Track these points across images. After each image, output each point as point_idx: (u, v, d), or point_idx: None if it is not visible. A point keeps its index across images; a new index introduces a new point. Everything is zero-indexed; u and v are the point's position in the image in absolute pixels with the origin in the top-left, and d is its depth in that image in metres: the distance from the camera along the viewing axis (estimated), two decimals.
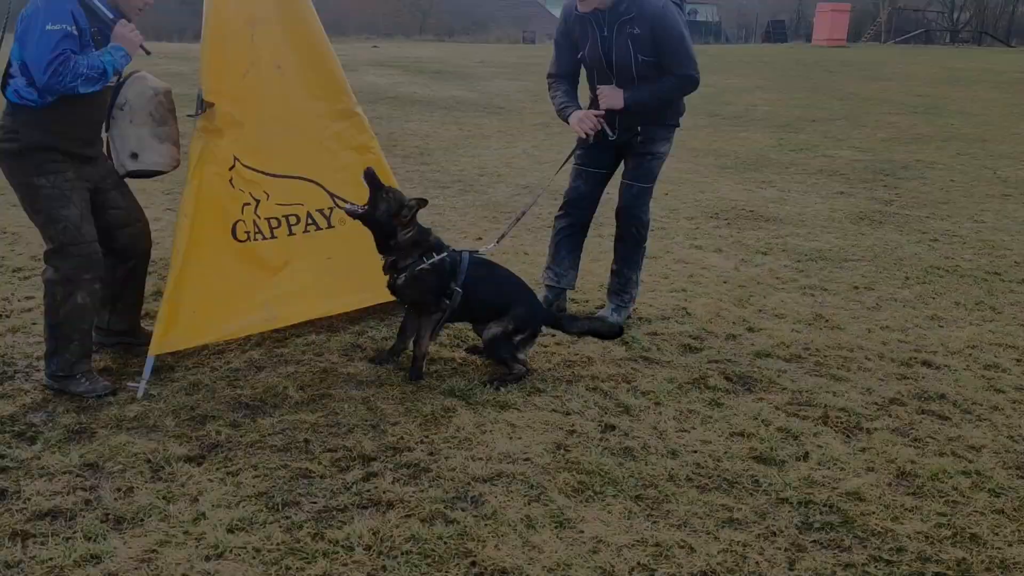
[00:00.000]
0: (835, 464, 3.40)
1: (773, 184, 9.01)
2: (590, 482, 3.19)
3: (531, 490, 3.13)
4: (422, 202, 4.00)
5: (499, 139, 11.47)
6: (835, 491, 3.20)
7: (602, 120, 4.51)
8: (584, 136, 4.55)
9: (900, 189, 8.90)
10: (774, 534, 2.94)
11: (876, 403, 3.95)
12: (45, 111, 3.50)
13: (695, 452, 3.46)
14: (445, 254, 4.03)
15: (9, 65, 3.51)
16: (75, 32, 3.42)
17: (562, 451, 3.41)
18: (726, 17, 57.49)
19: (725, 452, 3.46)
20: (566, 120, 4.64)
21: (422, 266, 3.96)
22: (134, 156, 3.89)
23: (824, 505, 3.11)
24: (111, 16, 3.60)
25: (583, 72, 4.75)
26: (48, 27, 3.36)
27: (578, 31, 4.53)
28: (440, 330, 4.22)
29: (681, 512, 3.04)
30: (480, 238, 6.50)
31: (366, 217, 3.95)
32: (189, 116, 3.97)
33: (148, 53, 3.86)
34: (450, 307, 4.03)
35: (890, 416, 3.83)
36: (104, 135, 3.90)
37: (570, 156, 4.80)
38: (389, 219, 3.92)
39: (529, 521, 2.94)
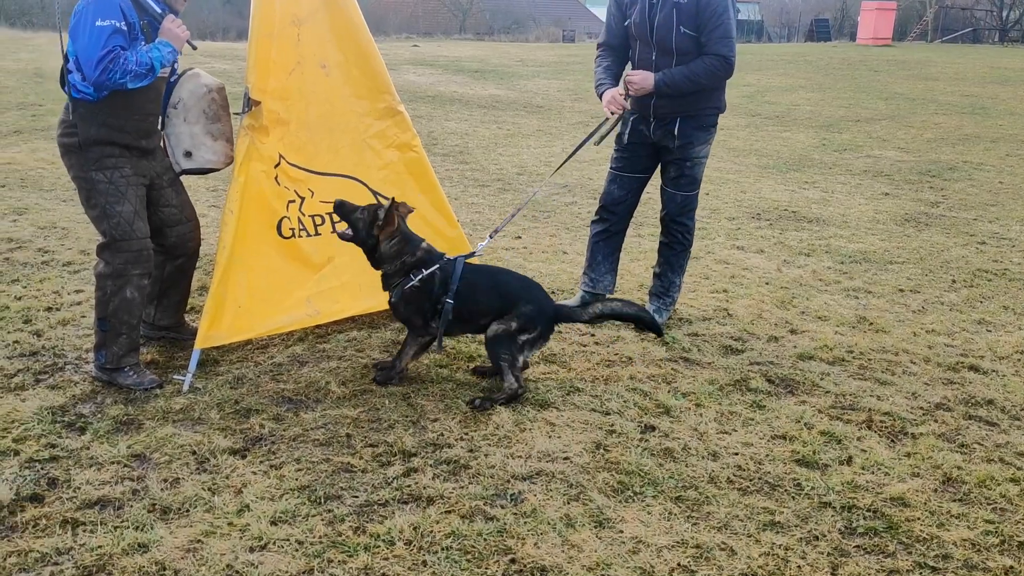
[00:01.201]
0: (879, 469, 3.35)
1: (816, 185, 8.90)
2: (630, 482, 3.19)
3: (570, 489, 3.13)
4: (396, 206, 3.78)
5: (538, 138, 11.47)
6: (879, 496, 3.16)
7: (625, 104, 4.45)
8: (609, 115, 4.53)
9: (947, 191, 8.74)
10: (816, 538, 2.91)
11: (922, 408, 3.89)
12: (101, 105, 3.58)
13: (736, 454, 3.43)
14: (436, 267, 3.82)
15: (66, 60, 3.59)
16: (124, 27, 3.48)
17: (601, 451, 3.41)
18: (768, 16, 56.83)
19: (767, 455, 3.43)
20: (600, 96, 4.61)
21: (411, 283, 3.79)
22: (188, 154, 3.95)
23: (868, 510, 3.07)
24: (159, 10, 3.67)
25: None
26: (98, 23, 3.42)
27: None
28: (442, 348, 4.05)
29: (722, 514, 3.02)
30: (519, 237, 6.52)
31: (354, 238, 3.84)
32: (236, 114, 4.03)
33: (194, 48, 3.92)
34: (440, 326, 3.81)
35: (936, 421, 3.77)
36: (160, 130, 3.97)
37: (585, 140, 4.71)
38: (370, 233, 3.78)
39: (568, 520, 2.94)
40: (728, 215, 7.40)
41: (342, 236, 3.91)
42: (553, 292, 5.26)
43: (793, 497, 3.15)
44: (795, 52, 27.44)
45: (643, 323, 4.09)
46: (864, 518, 3.03)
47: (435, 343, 3.91)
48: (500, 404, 3.71)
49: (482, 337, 3.92)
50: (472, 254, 4.12)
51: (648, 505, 3.05)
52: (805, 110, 14.67)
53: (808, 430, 3.64)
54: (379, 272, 3.90)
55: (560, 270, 5.72)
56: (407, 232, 3.88)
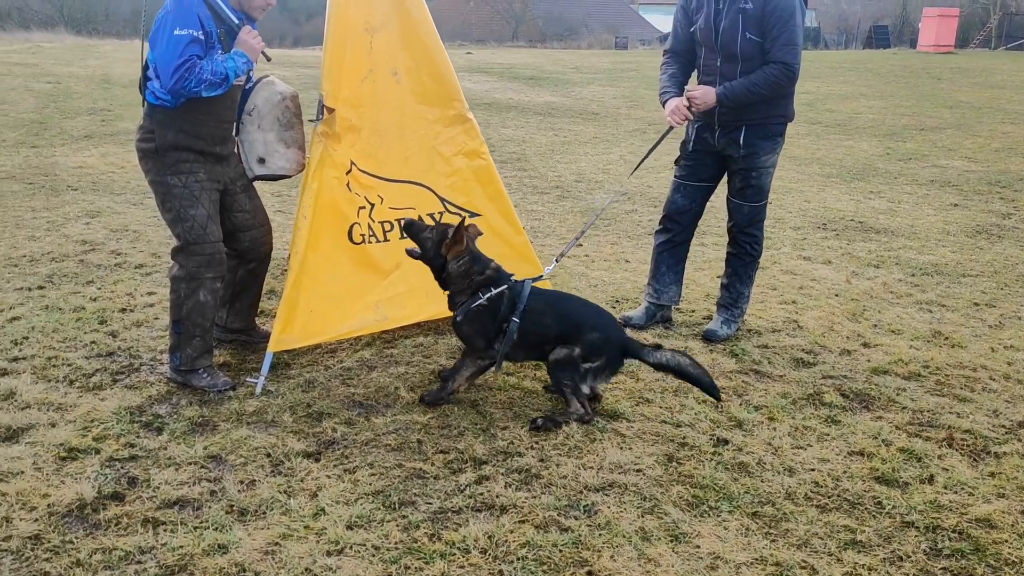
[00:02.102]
0: (963, 488, 3.25)
1: (882, 195, 8.71)
2: (704, 496, 3.14)
3: (644, 502, 3.09)
4: (466, 227, 3.70)
5: (595, 145, 11.43)
6: (964, 517, 3.06)
7: (689, 116, 4.38)
8: (673, 126, 4.46)
9: (1018, 202, 8.48)
10: (901, 559, 2.83)
11: (1004, 426, 3.77)
12: (178, 112, 3.65)
13: (812, 470, 3.36)
14: (504, 287, 3.72)
15: (146, 67, 3.66)
16: (201, 36, 3.54)
17: (674, 463, 3.36)
18: (825, 22, 55.92)
19: (844, 471, 3.35)
20: (663, 105, 4.54)
21: (478, 302, 3.69)
22: (261, 161, 4.01)
23: (953, 531, 2.98)
24: (235, 20, 3.73)
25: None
26: (176, 32, 3.49)
27: (695, 2, 4.45)
28: (499, 370, 3.83)
29: (801, 532, 2.95)
30: (580, 244, 6.48)
31: (422, 256, 3.81)
32: (310, 121, 4.08)
33: (268, 59, 3.98)
34: (502, 349, 3.69)
35: (1020, 440, 3.64)
36: (235, 136, 4.04)
37: (651, 151, 4.65)
38: (438, 252, 3.73)
39: (644, 533, 2.90)
40: (793, 224, 7.27)
41: (410, 253, 3.87)
42: (617, 301, 5.23)
43: (874, 516, 3.07)
44: (854, 59, 26.97)
45: (703, 387, 3.68)
46: (949, 539, 2.93)
47: (493, 367, 3.78)
48: (559, 426, 3.58)
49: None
50: (539, 277, 4.07)
51: (724, 520, 3.00)
52: (867, 118, 14.39)
53: (886, 447, 3.54)
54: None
55: (623, 279, 5.68)
56: (475, 252, 3.79)
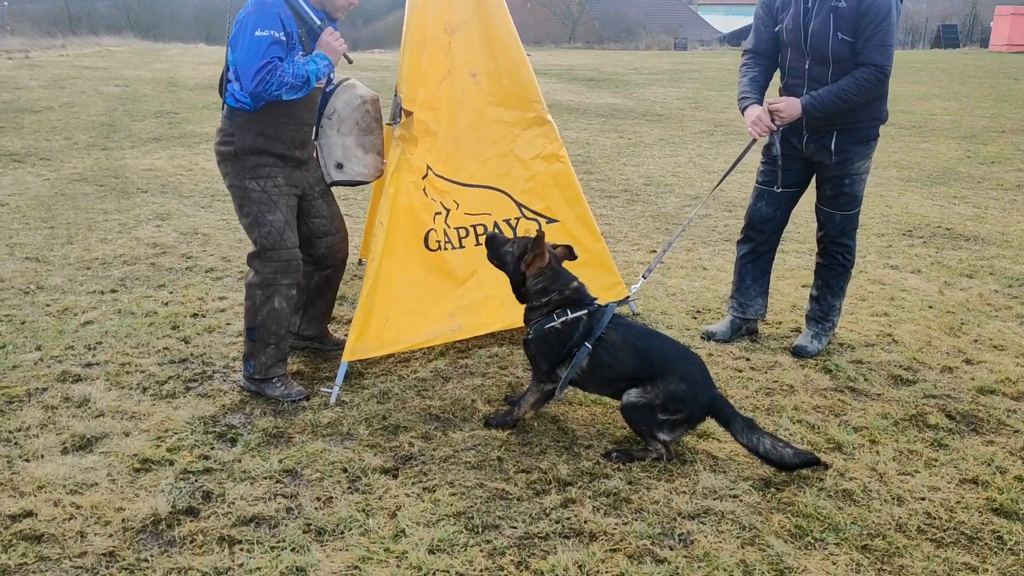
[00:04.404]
0: None
1: (967, 200, 8.32)
2: (808, 526, 2.92)
3: (744, 531, 2.89)
4: (550, 246, 3.47)
5: (661, 147, 11.18)
6: None
7: (772, 126, 4.12)
8: (754, 138, 4.22)
9: None
10: None
11: None
12: (258, 115, 3.56)
13: (923, 499, 3.11)
14: (583, 312, 3.43)
15: (227, 69, 3.58)
16: (282, 38, 3.44)
17: (772, 489, 3.14)
18: None
19: (958, 501, 3.10)
20: (743, 111, 4.26)
21: (552, 323, 3.42)
22: (339, 166, 3.91)
23: None
24: (317, 21, 3.63)
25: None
26: (257, 32, 3.40)
27: (780, 0, 4.19)
28: (560, 398, 3.57)
29: (918, 569, 2.72)
30: (655, 250, 6.28)
31: (502, 270, 3.60)
32: (388, 124, 3.96)
33: (350, 62, 3.87)
34: (566, 375, 3.40)
35: None
36: (314, 140, 3.94)
37: (734, 166, 4.39)
38: (518, 268, 3.49)
39: (746, 567, 2.70)
40: (877, 231, 6.95)
41: (491, 260, 3.67)
42: (698, 312, 5.02)
43: (996, 552, 2.82)
44: (924, 59, 26.15)
45: (808, 465, 3.23)
46: None
47: (557, 392, 3.49)
48: (634, 461, 3.29)
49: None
50: (625, 300, 3.85)
51: (832, 554, 2.78)
52: (943, 120, 13.86)
53: (1001, 475, 3.28)
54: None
55: (702, 287, 5.46)
56: (558, 268, 3.53)
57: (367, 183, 4.06)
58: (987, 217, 7.59)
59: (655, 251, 6.26)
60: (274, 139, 3.61)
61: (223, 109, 3.66)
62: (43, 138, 10.22)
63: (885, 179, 9.21)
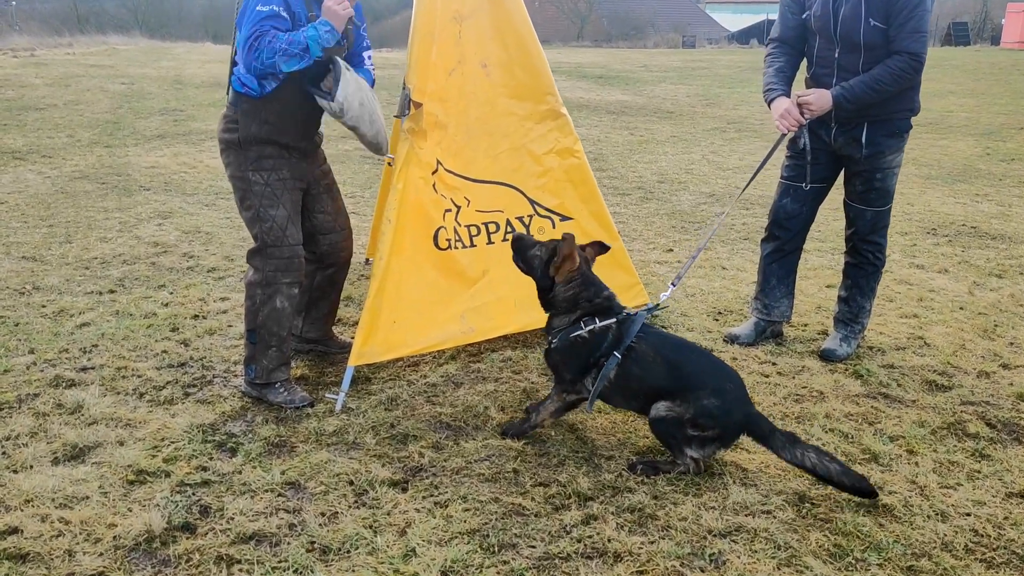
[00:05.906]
0: None
1: (989, 197, 8.09)
2: (848, 546, 2.71)
3: (779, 551, 2.68)
4: (579, 246, 3.26)
5: (674, 144, 10.96)
6: None
7: (802, 120, 3.91)
8: (783, 133, 4.01)
9: None
10: None
11: None
12: (264, 102, 3.38)
13: (968, 515, 2.91)
14: (612, 320, 3.22)
15: (235, 53, 3.40)
16: (284, 14, 3.26)
17: (807, 504, 2.94)
18: None
19: (1006, 517, 2.90)
20: (769, 104, 4.05)
21: (578, 332, 3.23)
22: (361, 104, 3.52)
23: None
24: None
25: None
26: (258, 7, 3.24)
27: None
28: (591, 410, 3.36)
29: None
30: (671, 249, 6.07)
31: (530, 275, 3.39)
32: (396, 117, 3.77)
33: (359, 26, 3.65)
34: (595, 386, 3.20)
35: None
36: (322, 129, 3.73)
37: (762, 165, 4.14)
38: (546, 273, 3.30)
39: None
40: (900, 230, 6.73)
41: (517, 263, 3.45)
42: (719, 313, 4.81)
43: None
44: (937, 56, 25.83)
45: (860, 492, 2.95)
46: None
47: (584, 403, 3.31)
48: (662, 474, 3.08)
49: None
50: (656, 307, 3.62)
51: (875, 575, 2.58)
52: (960, 116, 13.61)
53: None
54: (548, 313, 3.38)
55: (723, 287, 5.25)
56: (588, 274, 3.32)
57: (380, 148, 3.72)
58: (1012, 215, 7.37)
59: (671, 250, 6.05)
60: (279, 128, 3.42)
61: (228, 94, 3.47)
62: (46, 135, 10.07)
63: (905, 176, 8.98)
